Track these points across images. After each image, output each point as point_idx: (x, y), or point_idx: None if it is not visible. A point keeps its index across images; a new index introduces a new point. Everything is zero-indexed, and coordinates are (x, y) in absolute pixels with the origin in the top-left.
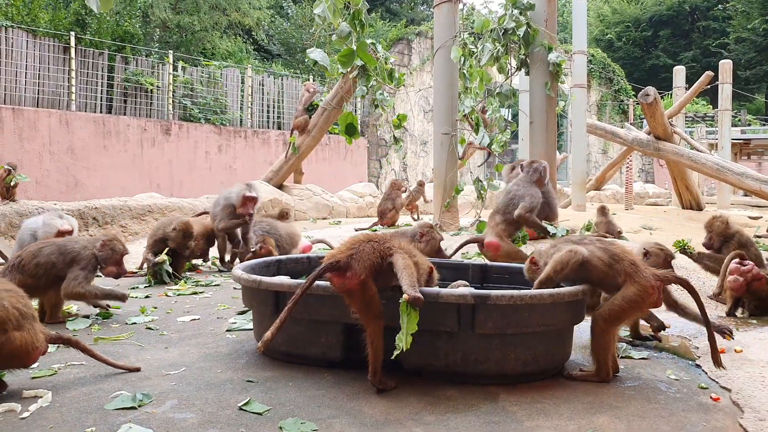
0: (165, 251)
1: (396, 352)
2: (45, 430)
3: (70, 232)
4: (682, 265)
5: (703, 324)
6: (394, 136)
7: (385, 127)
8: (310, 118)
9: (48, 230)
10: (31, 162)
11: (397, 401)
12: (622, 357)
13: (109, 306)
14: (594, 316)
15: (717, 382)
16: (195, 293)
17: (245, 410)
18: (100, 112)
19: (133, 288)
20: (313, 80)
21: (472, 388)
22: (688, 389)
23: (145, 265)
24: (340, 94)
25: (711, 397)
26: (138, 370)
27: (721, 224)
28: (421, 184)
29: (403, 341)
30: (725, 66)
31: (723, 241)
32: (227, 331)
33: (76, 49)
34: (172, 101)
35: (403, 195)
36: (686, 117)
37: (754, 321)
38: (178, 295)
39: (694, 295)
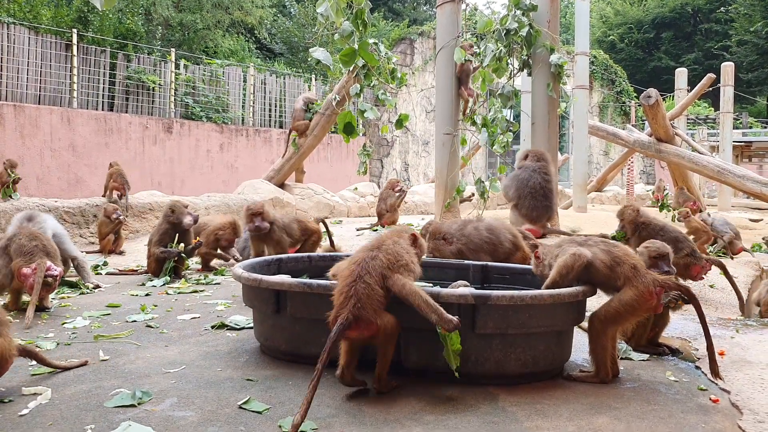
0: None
1: (454, 368)
2: (44, 427)
3: None
4: None
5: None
6: (364, 145)
7: (389, 126)
8: (310, 121)
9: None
10: (33, 159)
11: (397, 401)
12: (622, 359)
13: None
14: (590, 317)
15: (716, 384)
16: (195, 291)
17: (245, 409)
18: (102, 109)
19: (139, 285)
20: (316, 79)
21: (472, 389)
22: (687, 391)
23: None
24: (343, 93)
25: (710, 399)
26: (86, 363)
27: (632, 212)
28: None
29: (452, 360)
30: (727, 68)
31: (634, 230)
32: (227, 329)
33: (78, 46)
34: (174, 99)
35: (396, 195)
36: (688, 119)
37: (754, 323)
38: (179, 293)
39: (694, 303)
